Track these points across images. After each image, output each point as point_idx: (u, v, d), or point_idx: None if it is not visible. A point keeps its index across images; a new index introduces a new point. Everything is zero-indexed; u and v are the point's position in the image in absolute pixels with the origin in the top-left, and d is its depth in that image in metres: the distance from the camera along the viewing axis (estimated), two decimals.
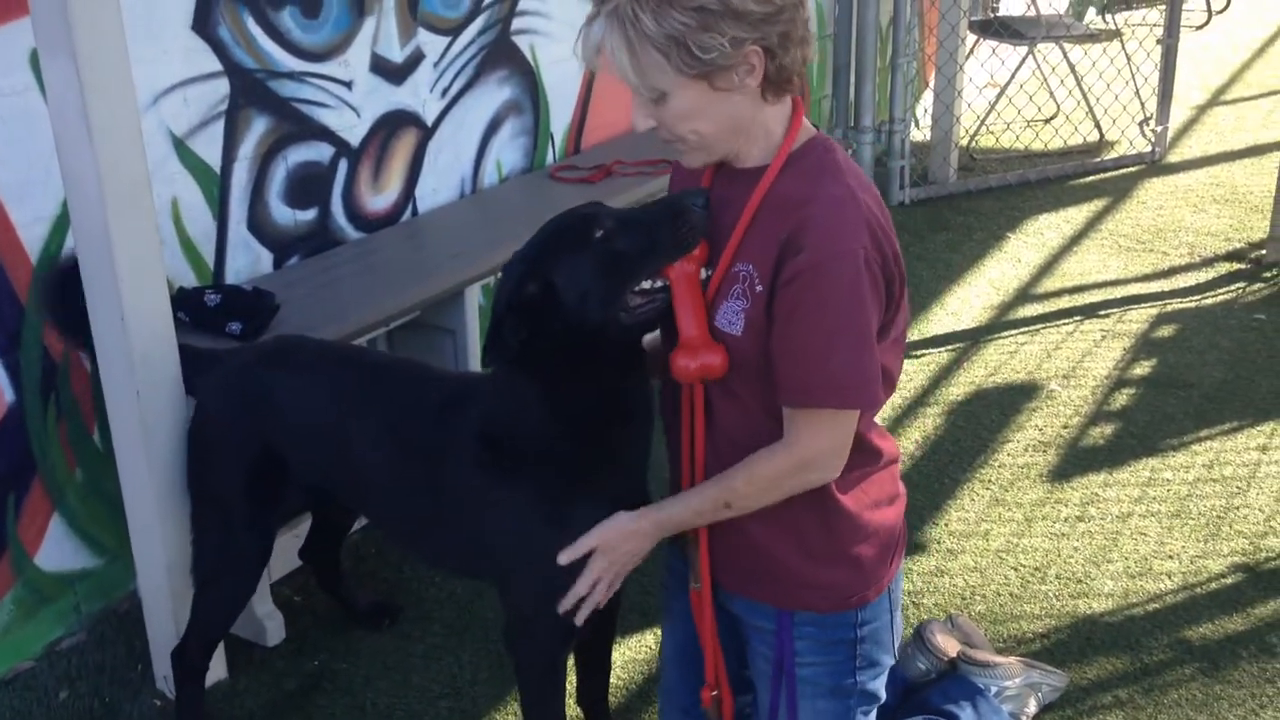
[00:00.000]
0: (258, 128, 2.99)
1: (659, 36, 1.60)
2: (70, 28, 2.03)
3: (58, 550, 2.66)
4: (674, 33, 1.60)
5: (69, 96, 2.09)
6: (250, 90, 2.95)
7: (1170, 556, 2.95)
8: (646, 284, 1.75)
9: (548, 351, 1.77)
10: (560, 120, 4.06)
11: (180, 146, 2.81)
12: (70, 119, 2.12)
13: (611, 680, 2.35)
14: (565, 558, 1.81)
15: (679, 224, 1.71)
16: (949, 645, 2.41)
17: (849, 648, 1.86)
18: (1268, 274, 4.55)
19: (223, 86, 2.88)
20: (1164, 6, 5.92)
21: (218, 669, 2.52)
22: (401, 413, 2.12)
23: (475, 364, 3.19)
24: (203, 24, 2.80)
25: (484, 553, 2.03)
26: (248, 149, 2.98)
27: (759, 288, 1.69)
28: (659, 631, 2.46)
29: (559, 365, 1.79)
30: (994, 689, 2.34)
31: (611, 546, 1.81)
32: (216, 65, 2.86)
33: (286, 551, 2.69)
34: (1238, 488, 3.21)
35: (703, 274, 1.75)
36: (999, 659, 2.39)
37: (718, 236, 1.75)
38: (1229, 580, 2.85)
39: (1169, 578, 2.87)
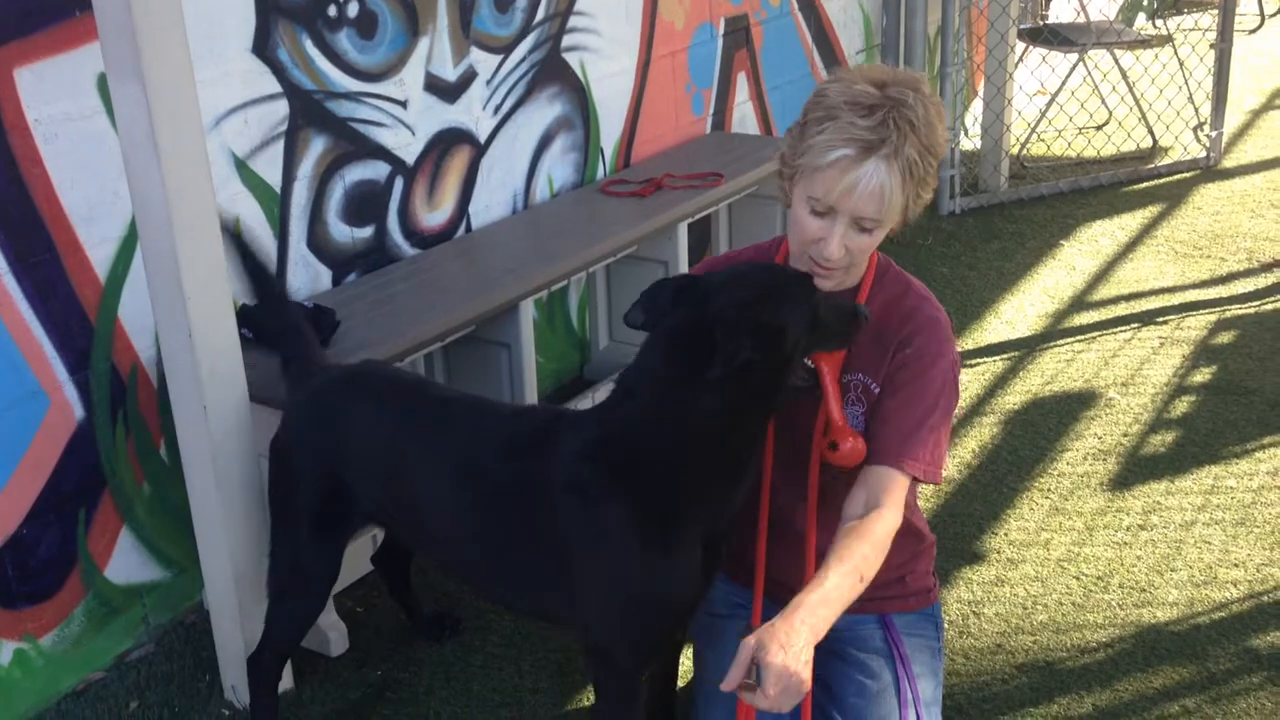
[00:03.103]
0: (316, 147, 3.05)
1: (912, 182, 1.83)
2: (139, 53, 2.08)
3: (126, 563, 2.71)
4: (921, 177, 1.84)
5: (138, 120, 2.14)
6: (309, 111, 3.01)
7: (1235, 565, 2.91)
8: (807, 360, 1.91)
9: (730, 384, 1.78)
10: (610, 135, 4.09)
11: (242, 167, 2.87)
12: (139, 142, 2.16)
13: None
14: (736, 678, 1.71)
15: (851, 322, 1.88)
16: None
17: (938, 626, 2.21)
18: None
19: (282, 107, 2.94)
20: (1216, 11, 5.86)
21: (285, 679, 2.55)
22: (467, 449, 2.08)
23: (530, 378, 3.23)
24: (262, 46, 2.86)
25: (557, 584, 1.98)
26: (307, 168, 3.03)
27: (875, 389, 1.98)
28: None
29: (728, 402, 1.80)
30: None
31: (788, 674, 1.67)
32: (276, 87, 2.91)
33: (348, 563, 2.71)
34: None
35: None
36: None
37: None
38: None
39: (1234, 586, 2.83)
